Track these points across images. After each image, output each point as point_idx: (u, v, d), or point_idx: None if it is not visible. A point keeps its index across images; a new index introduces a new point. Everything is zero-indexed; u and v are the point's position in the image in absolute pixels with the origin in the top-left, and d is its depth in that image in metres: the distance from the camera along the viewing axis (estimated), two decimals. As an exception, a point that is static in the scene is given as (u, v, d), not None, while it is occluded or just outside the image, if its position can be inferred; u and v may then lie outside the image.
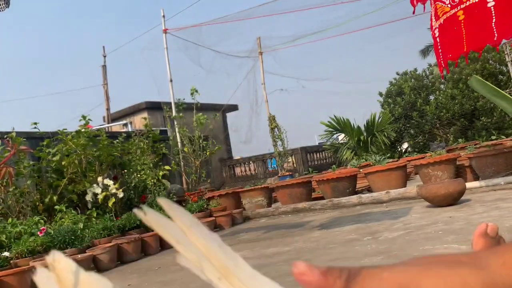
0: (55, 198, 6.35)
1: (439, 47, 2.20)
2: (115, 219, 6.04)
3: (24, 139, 6.32)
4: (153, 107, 15.06)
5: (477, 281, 0.29)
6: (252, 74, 14.25)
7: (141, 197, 7.19)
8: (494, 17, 1.94)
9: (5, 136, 6.18)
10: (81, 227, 5.50)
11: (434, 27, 2.23)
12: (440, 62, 2.27)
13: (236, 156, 18.11)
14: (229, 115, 18.11)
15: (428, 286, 0.28)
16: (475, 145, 7.85)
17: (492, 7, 1.97)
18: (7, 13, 5.30)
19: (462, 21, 2.00)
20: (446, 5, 2.07)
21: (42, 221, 5.57)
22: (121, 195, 6.54)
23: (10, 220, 5.53)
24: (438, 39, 2.14)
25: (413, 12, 2.38)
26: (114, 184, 6.63)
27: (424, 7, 2.36)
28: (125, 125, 14.34)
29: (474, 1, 1.97)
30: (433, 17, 2.20)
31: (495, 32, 2.18)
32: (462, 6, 2.01)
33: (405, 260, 0.32)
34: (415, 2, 2.34)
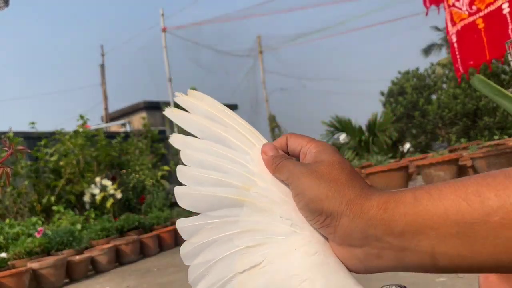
0: (53, 198, 6.29)
1: (457, 53, 2.18)
2: (113, 220, 5.98)
3: (22, 139, 6.26)
4: (152, 106, 14.99)
5: None
6: (252, 73, 14.19)
7: (139, 197, 7.13)
8: (510, 23, 1.91)
9: (2, 136, 6.11)
10: (79, 228, 5.45)
11: (451, 33, 2.21)
12: (457, 67, 2.25)
13: (236, 156, 18.03)
14: (229, 115, 18.02)
15: None
16: (477, 145, 7.79)
17: (507, 14, 1.94)
18: (4, 10, 5.24)
19: (482, 29, 1.98)
20: (463, 12, 2.05)
21: (40, 222, 5.51)
22: (119, 195, 6.48)
23: (7, 220, 5.47)
24: (455, 44, 2.12)
25: (426, 14, 2.34)
26: (113, 184, 6.57)
27: (438, 10, 2.32)
28: (124, 125, 14.25)
29: (491, 9, 1.95)
30: (449, 23, 2.17)
31: None
32: (481, 14, 1.99)
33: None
34: (427, 4, 2.30)
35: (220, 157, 0.41)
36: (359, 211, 0.34)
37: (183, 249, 0.41)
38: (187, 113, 0.43)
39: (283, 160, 0.40)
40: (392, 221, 0.32)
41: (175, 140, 0.43)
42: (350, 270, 0.36)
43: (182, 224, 0.41)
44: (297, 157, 0.42)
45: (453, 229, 0.30)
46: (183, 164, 0.42)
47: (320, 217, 0.36)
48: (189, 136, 0.42)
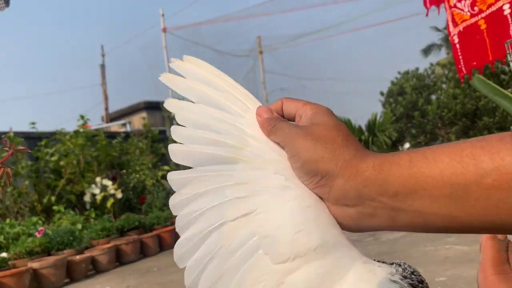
0: (53, 198, 6.29)
1: (459, 54, 2.19)
2: (113, 220, 5.99)
3: (22, 139, 6.26)
4: (152, 106, 14.99)
5: None
6: (252, 73, 14.20)
7: (140, 197, 7.13)
8: (511, 24, 1.93)
9: (2, 136, 6.11)
10: (80, 228, 5.45)
11: (452, 34, 2.22)
12: (460, 68, 2.26)
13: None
14: (229, 115, 18.01)
15: None
16: (477, 145, 7.79)
17: (508, 15, 1.96)
18: (5, 11, 5.24)
19: (485, 30, 2.00)
20: (465, 13, 2.06)
21: (40, 221, 5.52)
22: (119, 195, 6.49)
23: (8, 220, 5.48)
24: (457, 45, 2.13)
25: (426, 15, 2.34)
26: (113, 184, 6.58)
27: (439, 10, 2.32)
28: (124, 125, 14.24)
29: (492, 10, 1.96)
30: (450, 23, 2.18)
31: None
32: (483, 15, 2.01)
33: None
34: (428, 4, 2.30)
35: (215, 120, 0.41)
36: (354, 172, 0.35)
37: (173, 200, 0.40)
38: (183, 78, 0.43)
39: (278, 122, 0.40)
40: (386, 182, 0.33)
41: (169, 104, 0.42)
42: (342, 228, 0.36)
43: (173, 176, 0.40)
44: (292, 120, 0.42)
45: (446, 190, 0.31)
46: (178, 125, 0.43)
47: (315, 177, 0.36)
48: (184, 101, 0.42)
